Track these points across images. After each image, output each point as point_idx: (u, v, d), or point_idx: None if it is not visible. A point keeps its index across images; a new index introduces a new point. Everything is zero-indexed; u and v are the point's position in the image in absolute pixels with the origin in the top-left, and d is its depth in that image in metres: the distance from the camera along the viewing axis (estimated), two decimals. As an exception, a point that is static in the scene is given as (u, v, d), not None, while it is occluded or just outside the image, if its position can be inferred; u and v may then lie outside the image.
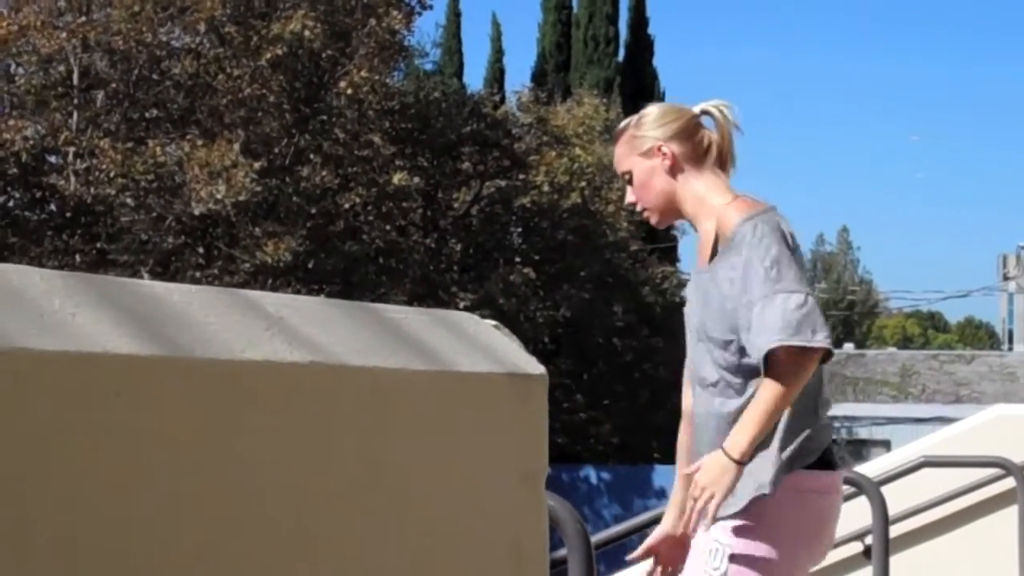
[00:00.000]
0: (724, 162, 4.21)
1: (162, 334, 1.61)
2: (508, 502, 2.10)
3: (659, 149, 4.18)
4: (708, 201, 4.13)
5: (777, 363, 3.85)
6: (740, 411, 3.96)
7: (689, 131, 4.19)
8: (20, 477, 1.43)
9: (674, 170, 4.17)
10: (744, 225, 3.95)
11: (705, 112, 4.24)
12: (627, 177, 4.32)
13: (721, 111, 4.22)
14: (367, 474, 1.88)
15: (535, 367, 2.14)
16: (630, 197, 4.33)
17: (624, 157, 4.29)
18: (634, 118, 4.32)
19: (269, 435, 1.73)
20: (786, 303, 3.82)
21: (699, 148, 4.18)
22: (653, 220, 4.35)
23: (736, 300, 3.93)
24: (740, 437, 3.87)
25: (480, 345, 2.11)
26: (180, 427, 1.61)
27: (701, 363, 4.09)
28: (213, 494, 1.66)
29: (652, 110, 4.27)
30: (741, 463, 3.86)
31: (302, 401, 1.77)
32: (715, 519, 3.86)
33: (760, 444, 3.90)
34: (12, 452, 1.43)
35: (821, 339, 3.84)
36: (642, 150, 4.22)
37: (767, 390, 3.85)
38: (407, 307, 2.10)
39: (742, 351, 3.95)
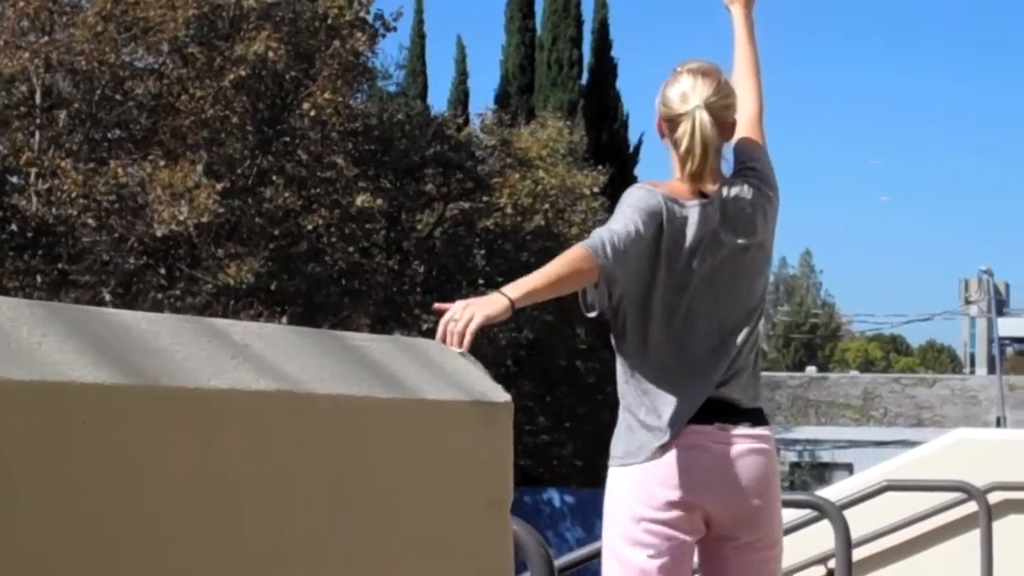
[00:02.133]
0: (690, 171, 4.41)
1: (128, 362, 1.60)
2: (474, 529, 2.10)
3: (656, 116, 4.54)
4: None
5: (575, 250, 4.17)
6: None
7: (669, 122, 4.44)
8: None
9: (661, 134, 4.52)
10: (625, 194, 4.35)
11: (684, 115, 4.40)
12: None
13: (694, 122, 4.37)
14: (333, 501, 1.88)
15: (500, 394, 2.14)
16: None
17: None
18: (676, 68, 4.54)
19: (235, 463, 1.72)
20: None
21: (672, 139, 4.44)
22: None
23: None
24: (516, 284, 4.03)
25: (445, 373, 2.11)
26: (147, 455, 1.61)
27: None
28: (181, 521, 1.65)
29: (666, 84, 4.51)
30: (513, 304, 3.92)
31: (268, 429, 1.77)
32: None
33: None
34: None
35: (585, 243, 4.13)
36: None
37: (549, 263, 4.13)
38: (372, 335, 2.09)
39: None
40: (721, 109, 4.40)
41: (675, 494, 4.25)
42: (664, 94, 4.46)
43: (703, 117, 4.35)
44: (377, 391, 1.96)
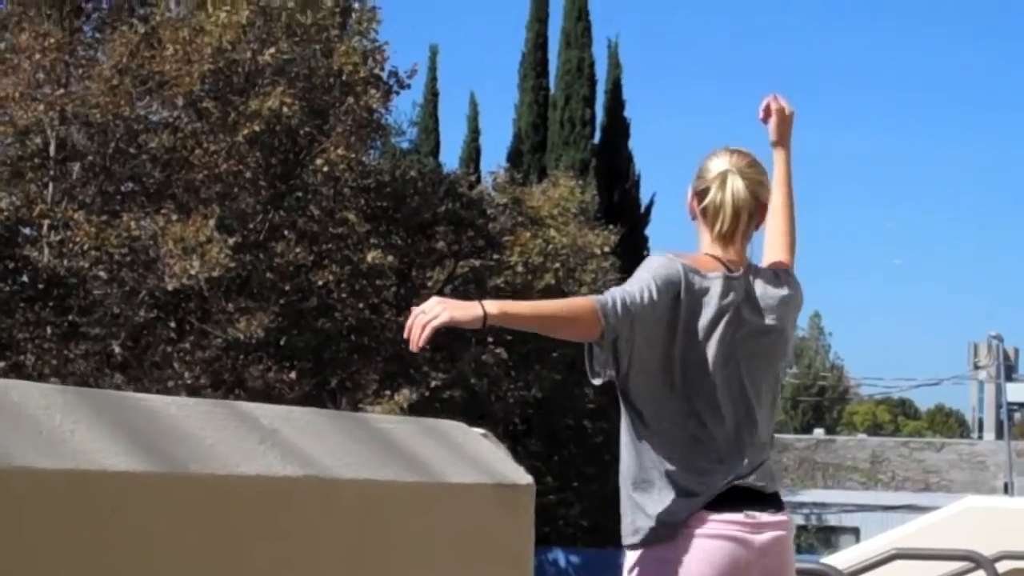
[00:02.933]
0: (720, 232, 4.39)
1: (159, 449, 1.61)
2: (494, 612, 2.10)
3: (688, 194, 4.49)
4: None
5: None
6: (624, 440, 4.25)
7: (700, 193, 4.41)
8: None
9: (692, 215, 4.48)
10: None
11: (718, 178, 4.40)
12: None
13: (725, 184, 4.37)
14: (356, 586, 1.88)
15: (522, 477, 2.15)
16: None
17: None
18: None
19: (263, 548, 1.73)
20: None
21: (700, 208, 4.40)
22: None
23: None
24: (502, 302, 3.96)
25: (468, 455, 2.12)
26: (176, 542, 1.62)
27: None
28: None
29: (706, 157, 4.54)
30: (486, 316, 3.85)
31: (295, 514, 1.78)
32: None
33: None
34: (12, 570, 1.43)
35: (594, 298, 4.02)
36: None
37: (552, 301, 4.16)
38: (396, 416, 2.10)
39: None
40: (755, 182, 4.40)
41: None
42: (697, 171, 4.47)
43: (736, 179, 4.36)
44: (401, 475, 1.97)
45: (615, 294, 4.02)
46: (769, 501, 4.25)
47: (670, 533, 4.09)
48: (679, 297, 4.14)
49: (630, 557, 4.15)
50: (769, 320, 4.36)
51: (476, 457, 2.15)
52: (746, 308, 4.29)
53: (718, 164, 4.40)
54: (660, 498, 4.13)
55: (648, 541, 4.10)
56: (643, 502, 4.14)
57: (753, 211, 4.39)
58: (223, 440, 1.73)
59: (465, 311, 3.75)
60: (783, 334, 4.41)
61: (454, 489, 2.05)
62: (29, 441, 1.48)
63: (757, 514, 4.20)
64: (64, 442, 1.52)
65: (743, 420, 4.26)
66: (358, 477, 1.88)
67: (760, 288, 4.38)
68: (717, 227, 4.34)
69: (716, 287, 4.24)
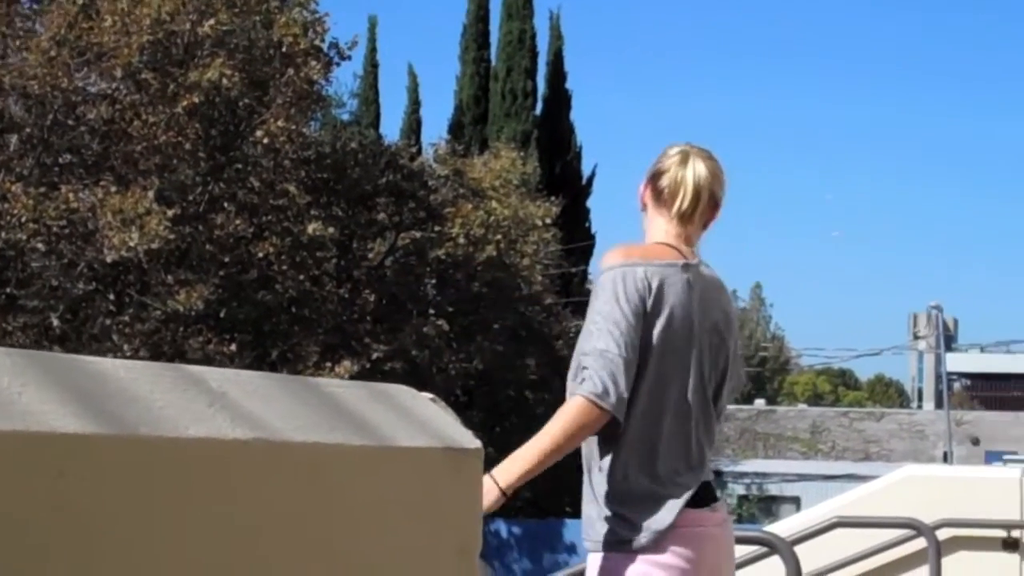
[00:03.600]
0: (680, 210, 4.32)
1: (108, 411, 1.60)
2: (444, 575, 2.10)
3: (640, 186, 4.43)
4: (647, 242, 4.36)
5: (569, 402, 4.02)
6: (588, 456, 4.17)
7: (657, 175, 4.35)
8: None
9: (643, 206, 4.42)
10: (602, 276, 4.14)
11: (680, 156, 4.35)
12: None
13: (691, 161, 4.33)
14: (307, 548, 1.88)
15: (471, 441, 2.15)
16: None
17: None
18: None
19: (212, 511, 1.73)
20: (597, 362, 3.97)
21: (657, 191, 4.34)
22: None
23: (579, 344, 4.14)
24: (510, 465, 4.00)
25: (417, 419, 2.12)
26: (126, 504, 1.61)
27: None
28: (159, 572, 1.65)
29: (664, 149, 4.46)
30: (504, 493, 3.91)
31: (245, 476, 1.77)
32: None
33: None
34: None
35: (586, 389, 3.95)
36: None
37: (547, 426, 4.00)
38: (344, 380, 2.10)
39: None
40: (714, 173, 4.34)
41: None
42: (654, 162, 4.42)
43: (698, 160, 4.31)
44: (350, 438, 1.97)
45: (601, 375, 3.93)
46: (712, 492, 4.28)
47: (658, 537, 4.06)
48: (646, 303, 4.08)
49: (611, 563, 4.07)
50: (718, 318, 4.31)
51: (425, 421, 2.15)
52: (701, 301, 4.23)
53: (676, 148, 4.37)
54: (644, 505, 4.08)
55: (634, 547, 4.04)
56: (625, 512, 4.08)
57: (708, 199, 4.33)
58: (172, 403, 1.72)
59: (487, 500, 3.78)
60: (725, 343, 4.33)
61: (403, 453, 2.05)
62: (-23, 403, 1.47)
63: (717, 506, 4.24)
64: (12, 403, 1.51)
65: (701, 415, 4.23)
66: (307, 440, 1.87)
67: (713, 288, 4.32)
68: (677, 205, 4.28)
69: (675, 279, 4.17)
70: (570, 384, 4.12)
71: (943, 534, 8.65)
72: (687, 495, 4.12)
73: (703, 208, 4.31)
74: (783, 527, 8.90)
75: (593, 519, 4.12)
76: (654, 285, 4.09)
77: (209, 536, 1.75)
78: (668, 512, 4.06)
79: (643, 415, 4.10)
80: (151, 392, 1.71)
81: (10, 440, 1.49)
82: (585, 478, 4.18)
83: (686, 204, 4.28)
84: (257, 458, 1.81)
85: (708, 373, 4.23)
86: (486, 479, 3.86)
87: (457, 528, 2.17)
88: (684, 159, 4.32)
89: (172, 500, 1.69)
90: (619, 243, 4.28)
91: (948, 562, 8.55)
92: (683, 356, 4.15)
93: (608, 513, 4.10)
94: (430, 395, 2.22)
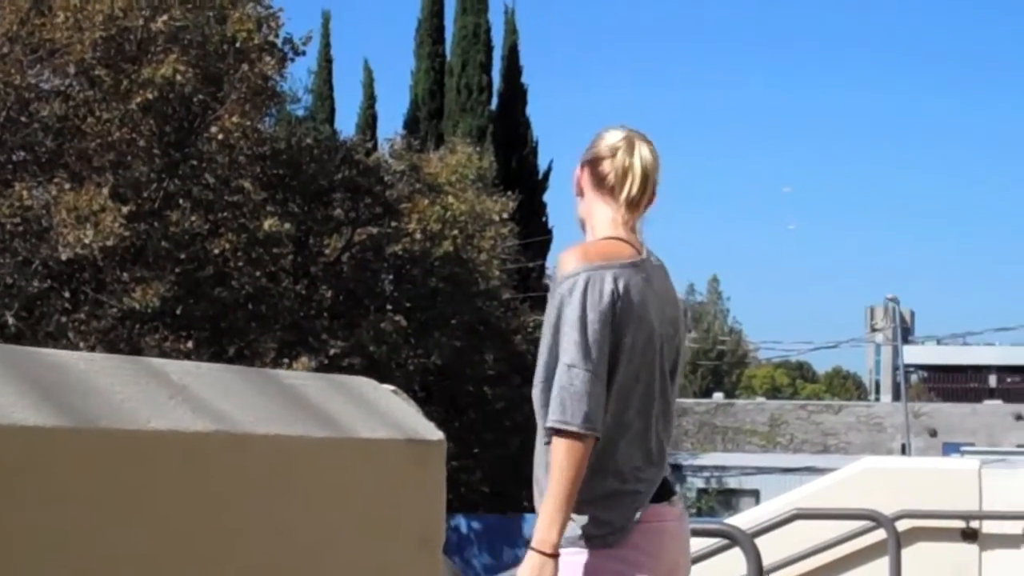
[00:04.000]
0: (629, 196, 4.24)
1: (68, 403, 1.59)
2: (406, 567, 2.09)
3: (576, 171, 4.33)
4: (592, 232, 4.27)
5: (554, 444, 3.96)
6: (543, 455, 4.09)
7: (594, 160, 4.27)
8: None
9: (580, 191, 4.32)
10: (566, 281, 4.03)
11: (624, 140, 4.27)
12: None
13: (637, 145, 4.26)
14: (269, 540, 1.87)
15: (433, 432, 2.14)
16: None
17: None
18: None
19: (174, 504, 1.71)
20: (562, 377, 3.93)
21: (600, 177, 4.26)
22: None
23: (544, 351, 4.05)
24: (547, 532, 3.93)
25: (379, 411, 2.11)
26: (89, 497, 1.59)
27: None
28: (120, 564, 1.64)
29: (600, 132, 4.35)
30: (555, 555, 3.90)
31: (207, 469, 1.76)
32: None
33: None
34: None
35: (577, 423, 3.90)
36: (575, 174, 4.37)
37: (552, 475, 3.95)
38: (306, 373, 2.09)
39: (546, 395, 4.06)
40: (657, 162, 4.29)
41: None
42: (591, 144, 4.33)
43: (643, 145, 4.26)
44: (312, 430, 1.95)
45: (576, 400, 3.89)
46: (671, 486, 4.27)
47: (623, 533, 4.05)
48: (615, 309, 4.02)
49: (579, 559, 4.05)
50: (672, 313, 4.28)
51: (387, 412, 2.14)
52: (657, 296, 4.19)
53: (618, 133, 4.29)
54: (608, 503, 4.06)
55: (598, 544, 4.04)
56: (589, 510, 4.05)
57: (652, 185, 4.27)
58: (133, 395, 1.71)
59: (544, 570, 3.88)
60: (678, 333, 4.31)
61: (365, 444, 2.04)
62: (-65, 396, 1.45)
63: (675, 500, 4.23)
64: (-29, 396, 1.49)
65: (661, 411, 4.20)
66: (269, 432, 1.86)
67: (663, 279, 4.27)
68: (626, 192, 4.21)
69: (636, 278, 4.11)
70: (538, 395, 4.06)
71: (902, 525, 8.68)
72: (651, 491, 4.12)
73: (649, 194, 4.28)
74: (743, 519, 8.91)
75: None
76: (620, 289, 4.03)
77: (171, 529, 1.74)
78: (632, 508, 4.06)
79: (610, 417, 4.06)
80: (111, 384, 1.69)
81: (-31, 433, 1.47)
82: (538, 475, 4.14)
83: (635, 190, 4.22)
84: (219, 450, 1.80)
85: (666, 368, 4.22)
86: (530, 555, 3.91)
87: (419, 520, 2.16)
88: (630, 144, 4.25)
89: (134, 494, 1.68)
90: (574, 245, 4.20)
91: (908, 553, 8.58)
92: (647, 355, 4.11)
93: (582, 518, 4.07)
94: (392, 387, 2.21)
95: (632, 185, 4.23)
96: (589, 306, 3.98)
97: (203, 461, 1.77)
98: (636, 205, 4.24)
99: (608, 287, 4.01)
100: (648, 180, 4.25)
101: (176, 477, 1.73)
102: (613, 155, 4.26)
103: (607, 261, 4.07)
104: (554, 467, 3.93)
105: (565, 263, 4.09)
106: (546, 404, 4.01)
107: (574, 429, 3.90)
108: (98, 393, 1.66)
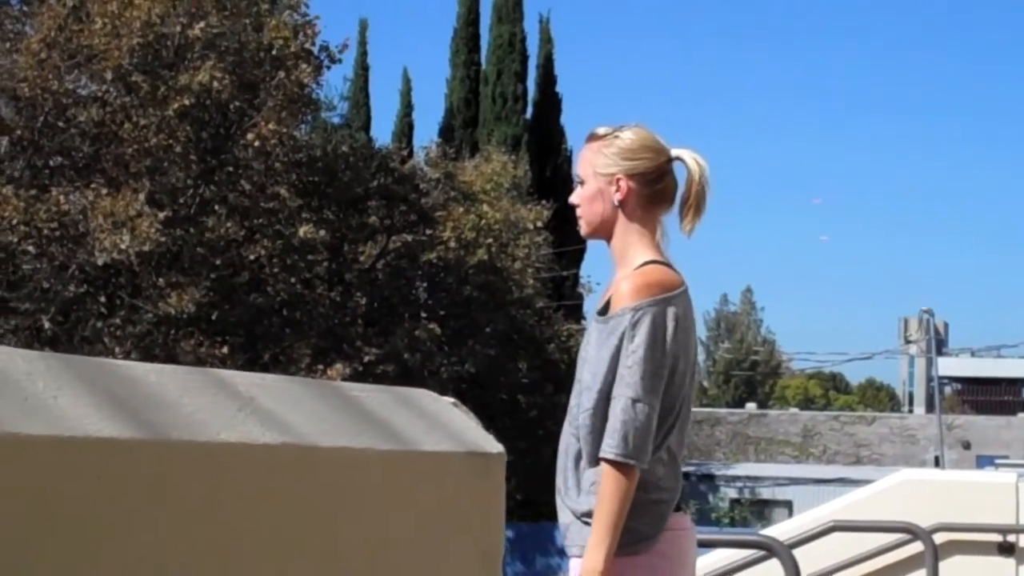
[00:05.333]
0: (686, 211, 4.19)
1: (140, 416, 1.60)
2: (467, 581, 2.10)
3: (617, 179, 4.18)
4: (630, 252, 4.17)
5: (607, 473, 3.98)
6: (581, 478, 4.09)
7: (653, 175, 4.18)
8: (7, 560, 1.41)
9: (623, 204, 4.18)
10: (626, 315, 4.00)
11: (679, 159, 4.22)
12: (579, 180, 4.30)
13: (697, 163, 4.20)
14: (334, 552, 1.88)
15: (493, 445, 2.15)
16: (574, 198, 4.30)
17: (585, 163, 4.28)
18: (612, 131, 4.27)
19: (243, 515, 1.72)
20: (627, 411, 3.93)
21: (657, 194, 4.19)
22: (582, 231, 4.33)
23: (593, 376, 4.03)
24: (595, 558, 3.96)
25: (440, 423, 2.11)
26: (161, 509, 1.60)
27: (573, 406, 4.14)
28: (192, 572, 1.65)
29: (630, 137, 4.21)
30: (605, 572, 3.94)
31: (274, 481, 1.77)
32: None
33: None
34: (0, 536, 1.41)
35: (642, 459, 3.94)
36: (602, 170, 4.21)
37: (604, 503, 3.97)
38: (367, 384, 2.09)
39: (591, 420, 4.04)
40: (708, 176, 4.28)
41: None
42: (634, 145, 4.21)
43: (699, 158, 4.23)
44: (377, 443, 1.96)
45: (634, 434, 3.92)
46: (683, 495, 4.31)
47: (649, 541, 4.08)
48: (676, 340, 4.04)
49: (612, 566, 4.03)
50: (695, 330, 4.30)
51: (448, 425, 2.15)
52: (694, 320, 4.22)
53: (674, 148, 4.22)
54: (636, 512, 4.05)
55: (631, 552, 4.05)
56: (630, 522, 4.04)
57: None
58: (203, 407, 1.72)
59: None
60: (697, 347, 4.34)
61: (428, 457, 2.05)
62: (15, 407, 1.47)
63: (686, 509, 4.29)
64: (48, 408, 1.51)
65: (686, 423, 4.23)
66: (335, 444, 1.87)
67: (689, 297, 4.23)
68: (689, 219, 4.19)
69: (685, 306, 4.12)
70: (589, 422, 4.05)
71: (940, 538, 8.66)
72: (674, 499, 4.15)
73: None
74: (778, 531, 8.90)
75: (579, 526, 4.11)
76: (678, 321, 4.04)
77: (240, 539, 1.75)
78: (660, 517, 4.09)
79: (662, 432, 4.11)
80: (181, 397, 1.71)
81: (50, 444, 1.48)
82: (561, 487, 4.15)
83: (699, 219, 4.22)
84: (287, 463, 1.81)
85: (692, 383, 4.26)
86: None
87: (480, 532, 2.16)
88: (695, 162, 4.22)
89: (207, 505, 1.69)
90: (633, 275, 4.09)
91: (945, 566, 8.56)
92: (686, 378, 4.14)
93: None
94: (451, 399, 2.21)
95: (696, 214, 4.21)
96: (656, 342, 3.98)
97: (271, 473, 1.78)
98: (692, 231, 4.23)
99: (671, 323, 4.02)
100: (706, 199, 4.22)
101: (245, 488, 1.74)
102: (664, 175, 4.21)
103: (666, 293, 4.05)
104: (607, 495, 3.95)
105: (626, 295, 4.04)
106: (594, 431, 4.02)
107: (634, 463, 3.93)
108: (169, 405, 1.67)
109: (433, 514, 2.09)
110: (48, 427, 1.49)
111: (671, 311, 4.02)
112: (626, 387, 3.95)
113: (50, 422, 1.50)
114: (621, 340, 3.99)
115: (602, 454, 3.97)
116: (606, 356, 4.01)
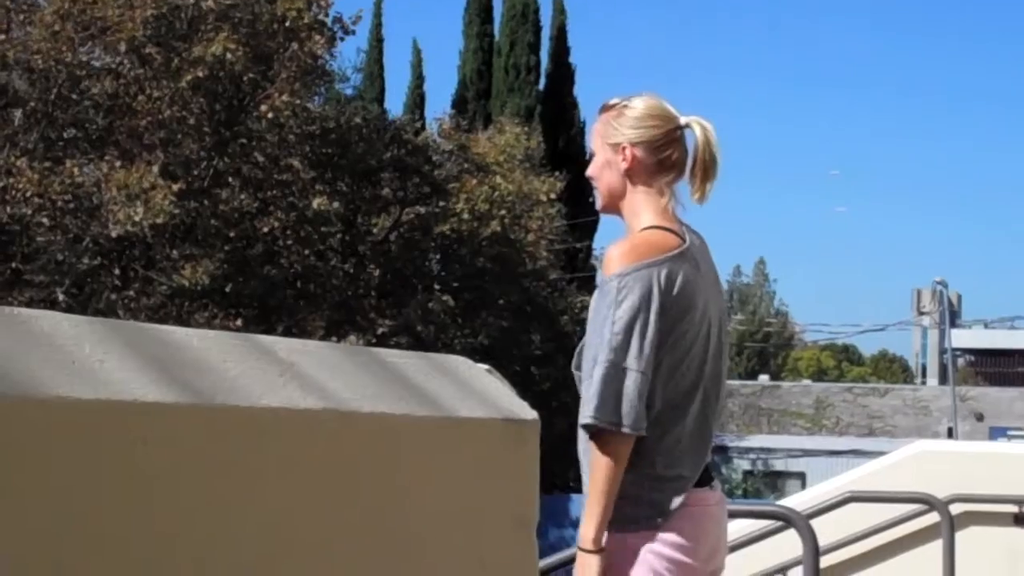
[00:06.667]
0: (696, 177, 4.13)
1: (184, 380, 1.61)
2: (503, 546, 2.10)
3: (623, 148, 4.13)
4: (635, 222, 4.13)
5: (599, 444, 3.91)
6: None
7: (661, 143, 4.13)
8: (55, 523, 1.42)
9: (630, 172, 4.14)
10: (613, 280, 3.93)
11: (687, 126, 4.17)
12: (592, 153, 4.29)
13: (704, 129, 4.14)
14: (373, 514, 1.88)
15: (528, 412, 2.15)
16: (590, 171, 4.29)
17: (596, 135, 4.25)
18: (622, 101, 4.24)
19: (288, 479, 1.73)
20: (608, 376, 3.86)
21: (664, 161, 4.13)
22: (598, 204, 4.32)
23: (588, 343, 3.98)
24: (586, 528, 3.92)
25: (475, 390, 2.12)
26: (205, 473, 1.61)
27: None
28: (234, 538, 1.65)
29: (638, 105, 4.18)
30: (598, 551, 3.91)
31: (315, 446, 1.78)
32: None
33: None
34: (48, 499, 1.42)
35: (627, 424, 3.85)
36: (610, 140, 4.18)
37: (592, 472, 3.92)
38: (404, 351, 2.10)
39: None
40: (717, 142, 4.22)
41: (694, 563, 4.04)
42: (639, 113, 4.17)
43: (707, 124, 4.18)
44: (415, 409, 1.97)
45: (618, 397, 3.84)
46: (710, 471, 4.23)
47: (668, 517, 4.02)
48: (670, 304, 3.94)
49: (627, 542, 3.98)
50: (720, 293, 4.22)
51: (483, 392, 2.15)
52: (705, 279, 4.11)
53: (683, 116, 4.15)
54: (653, 486, 4.00)
55: (644, 527, 3.99)
56: (635, 492, 3.98)
57: None
58: (245, 372, 1.72)
59: (588, 569, 3.89)
60: (725, 314, 4.27)
61: (465, 423, 2.05)
62: (63, 371, 1.47)
63: (715, 485, 4.20)
64: (95, 372, 1.51)
65: (714, 398, 4.15)
66: (375, 411, 1.88)
67: (707, 257, 4.17)
68: (698, 185, 4.12)
69: (683, 268, 4.01)
70: (581, 375, 4.01)
71: (956, 509, 8.64)
72: (695, 475, 4.09)
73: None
74: (794, 502, 8.90)
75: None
76: (669, 284, 3.93)
77: (281, 502, 1.76)
78: (676, 493, 4.03)
79: (667, 413, 4.01)
80: (224, 362, 1.71)
81: (96, 408, 1.49)
82: (582, 459, 4.11)
83: (711, 181, 4.15)
84: (327, 428, 1.81)
85: (719, 352, 4.18)
86: (578, 555, 3.93)
87: (515, 498, 2.17)
88: (703, 127, 4.16)
89: (250, 469, 1.70)
90: (621, 241, 4.05)
91: (961, 536, 8.55)
92: (696, 341, 4.05)
93: (631, 503, 4.03)
94: (486, 366, 2.22)
95: (709, 176, 4.14)
96: (641, 307, 3.90)
97: (312, 437, 1.79)
98: (704, 198, 4.16)
99: (658, 285, 3.92)
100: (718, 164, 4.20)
101: (286, 452, 1.75)
102: (673, 142, 4.16)
103: (655, 256, 3.97)
104: (596, 464, 3.89)
105: (613, 261, 3.98)
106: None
107: (624, 431, 3.89)
108: (212, 370, 1.68)
109: (469, 480, 2.10)
110: (94, 391, 1.49)
111: (662, 273, 3.93)
112: (609, 352, 3.87)
113: (96, 386, 1.50)
114: (610, 308, 3.92)
115: (581, 420, 3.89)
116: (598, 325, 3.97)
